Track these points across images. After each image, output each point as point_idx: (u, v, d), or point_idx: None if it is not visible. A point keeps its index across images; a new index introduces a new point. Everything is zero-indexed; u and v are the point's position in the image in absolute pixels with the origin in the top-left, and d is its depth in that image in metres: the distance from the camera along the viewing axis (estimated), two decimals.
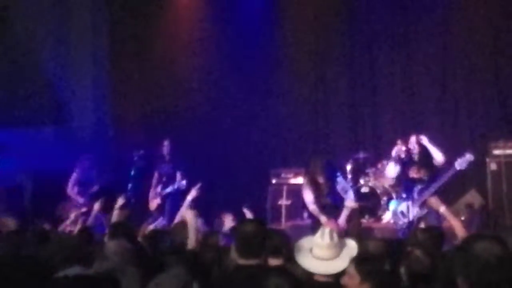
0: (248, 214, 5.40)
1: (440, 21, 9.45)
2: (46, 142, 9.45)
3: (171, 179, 8.19)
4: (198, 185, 5.90)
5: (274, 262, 3.77)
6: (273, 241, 3.92)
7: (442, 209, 4.67)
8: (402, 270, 3.56)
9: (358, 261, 3.12)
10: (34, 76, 9.92)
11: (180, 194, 7.81)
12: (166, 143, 8.36)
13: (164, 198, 8.26)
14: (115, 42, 10.53)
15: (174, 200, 7.98)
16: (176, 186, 8.03)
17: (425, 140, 6.68)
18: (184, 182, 7.92)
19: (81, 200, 8.42)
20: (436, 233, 4.47)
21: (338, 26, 10.19)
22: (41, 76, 10.03)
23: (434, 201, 4.85)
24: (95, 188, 8.50)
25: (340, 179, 6.62)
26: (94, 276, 3.59)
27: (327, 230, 3.36)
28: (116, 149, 9.82)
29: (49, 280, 2.92)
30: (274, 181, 9.58)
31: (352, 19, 10.11)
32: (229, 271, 3.41)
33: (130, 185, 8.57)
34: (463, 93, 9.32)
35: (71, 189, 8.59)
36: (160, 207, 8.26)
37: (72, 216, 6.13)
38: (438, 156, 6.60)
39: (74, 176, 8.68)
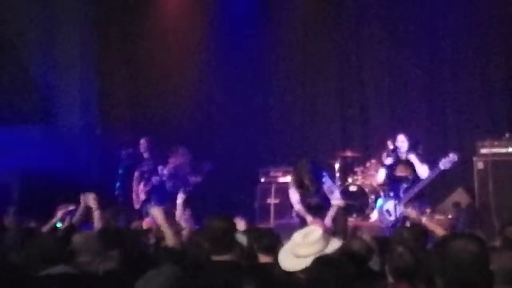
0: (241, 224, 5.34)
1: (428, 21, 9.49)
2: (33, 141, 9.38)
3: (153, 175, 8.24)
4: (182, 189, 5.91)
5: (264, 259, 3.85)
6: (264, 239, 3.97)
7: (423, 220, 4.63)
8: (386, 267, 3.58)
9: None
10: (22, 75, 9.86)
11: (164, 189, 7.95)
12: (142, 141, 8.42)
13: (149, 194, 8.30)
14: (103, 41, 10.49)
15: (159, 196, 8.06)
16: (160, 178, 8.07)
17: (413, 158, 6.66)
18: (165, 172, 7.97)
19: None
20: (420, 231, 4.49)
21: (327, 24, 10.22)
22: (28, 75, 9.97)
23: (413, 213, 4.79)
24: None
25: (326, 179, 6.64)
26: (78, 274, 3.58)
27: (308, 229, 3.40)
28: (104, 147, 9.79)
29: (28, 283, 2.90)
30: (262, 179, 9.61)
31: (341, 20, 10.14)
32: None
33: (118, 184, 8.58)
34: (451, 92, 9.38)
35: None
36: (145, 204, 8.29)
37: (59, 214, 6.04)
38: (423, 172, 6.59)
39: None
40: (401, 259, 3.48)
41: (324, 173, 6.73)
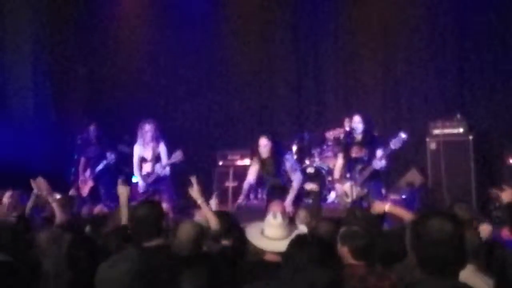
0: (213, 203, 5.24)
1: (383, 5, 9.59)
2: None
3: (100, 160, 8.22)
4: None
5: (224, 242, 3.93)
6: (224, 222, 4.04)
7: (387, 207, 4.56)
8: (346, 248, 3.64)
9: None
10: None
11: (111, 173, 8.05)
12: (92, 127, 8.48)
13: (96, 180, 8.27)
14: (55, 24, 10.25)
15: (106, 180, 8.11)
16: (106, 162, 8.13)
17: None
18: (113, 156, 8.03)
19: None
20: (374, 212, 4.54)
21: (283, 6, 10.24)
22: None
23: (377, 206, 4.67)
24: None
25: (289, 157, 6.62)
26: (11, 262, 3.46)
27: (279, 211, 3.47)
28: (58, 132, 9.62)
29: None
30: (220, 163, 9.63)
31: (297, 6, 10.18)
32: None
33: (73, 169, 8.49)
34: (403, 74, 9.51)
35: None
36: (93, 191, 8.28)
37: (5, 199, 5.70)
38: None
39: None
40: (360, 238, 3.56)
41: (289, 152, 6.73)
